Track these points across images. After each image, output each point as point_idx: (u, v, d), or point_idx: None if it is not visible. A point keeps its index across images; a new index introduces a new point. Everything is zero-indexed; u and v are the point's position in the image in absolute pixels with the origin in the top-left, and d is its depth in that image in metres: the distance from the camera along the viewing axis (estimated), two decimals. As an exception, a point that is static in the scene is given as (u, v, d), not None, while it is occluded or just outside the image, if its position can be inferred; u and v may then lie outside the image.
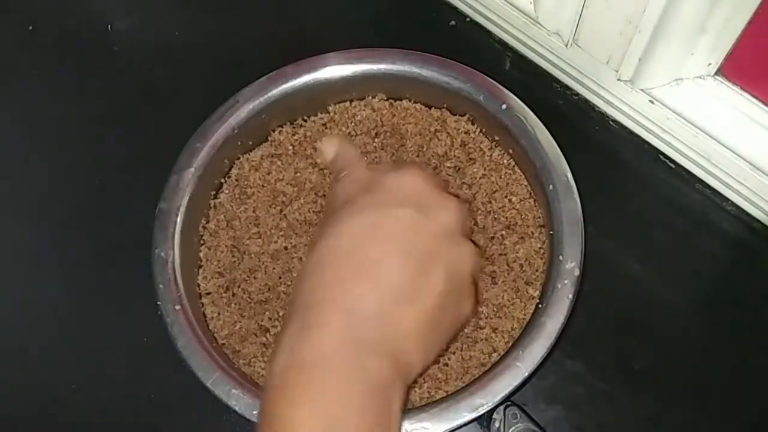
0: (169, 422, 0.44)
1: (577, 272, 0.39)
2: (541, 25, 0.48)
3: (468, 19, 0.54)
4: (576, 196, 0.40)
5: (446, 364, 0.40)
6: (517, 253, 0.42)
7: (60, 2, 0.58)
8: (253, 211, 0.45)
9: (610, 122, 0.49)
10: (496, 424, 0.40)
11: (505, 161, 0.45)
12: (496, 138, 0.45)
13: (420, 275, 0.31)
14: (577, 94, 0.50)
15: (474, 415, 0.36)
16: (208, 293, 0.43)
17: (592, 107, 0.50)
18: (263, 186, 0.45)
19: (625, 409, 0.42)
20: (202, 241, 0.44)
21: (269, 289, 0.43)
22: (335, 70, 0.45)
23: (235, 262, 0.44)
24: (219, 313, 0.42)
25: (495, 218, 0.43)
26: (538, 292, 0.41)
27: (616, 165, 0.48)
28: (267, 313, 0.42)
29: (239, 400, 0.37)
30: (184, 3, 0.58)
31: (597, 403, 0.42)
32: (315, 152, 0.46)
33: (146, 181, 0.43)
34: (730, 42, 0.40)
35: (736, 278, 0.45)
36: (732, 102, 0.43)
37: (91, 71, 0.55)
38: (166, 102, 0.53)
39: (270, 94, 0.45)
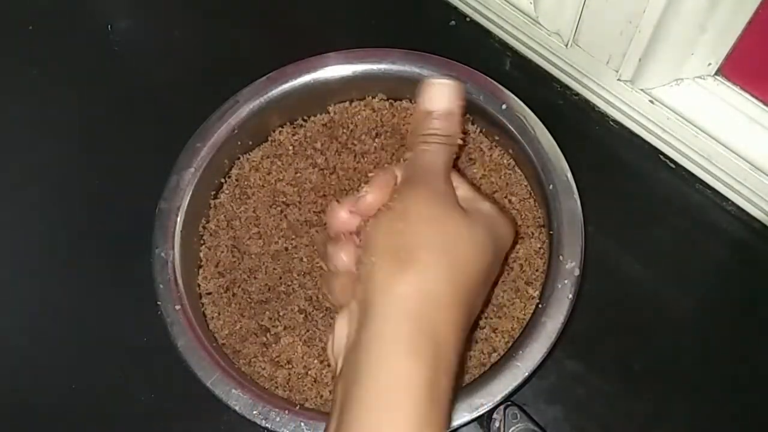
0: (169, 422, 0.44)
1: (577, 272, 0.39)
2: (541, 25, 0.48)
3: (468, 19, 0.54)
4: (576, 196, 0.40)
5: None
6: (517, 253, 0.42)
7: (60, 2, 0.58)
8: (254, 212, 0.45)
9: (610, 122, 0.49)
10: (496, 424, 0.40)
11: (505, 161, 0.45)
12: (496, 138, 0.45)
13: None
14: (577, 94, 0.50)
15: (474, 415, 0.36)
16: (209, 293, 0.43)
17: (592, 107, 0.50)
18: (263, 186, 0.45)
19: (625, 409, 0.42)
20: (202, 241, 0.44)
21: (269, 289, 0.43)
22: (335, 70, 0.45)
23: (235, 262, 0.44)
24: (219, 313, 0.42)
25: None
26: (538, 292, 0.41)
27: (616, 165, 0.48)
28: (267, 313, 0.42)
29: (239, 400, 0.37)
30: (184, 3, 0.58)
31: (597, 403, 0.42)
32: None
33: (146, 181, 0.43)
34: (730, 42, 0.40)
35: (736, 278, 0.45)
36: (732, 102, 0.43)
37: (91, 71, 0.55)
38: (166, 102, 0.53)
39: (270, 94, 0.45)
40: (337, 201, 0.34)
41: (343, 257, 0.33)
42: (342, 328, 0.31)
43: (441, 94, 0.34)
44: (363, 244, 0.32)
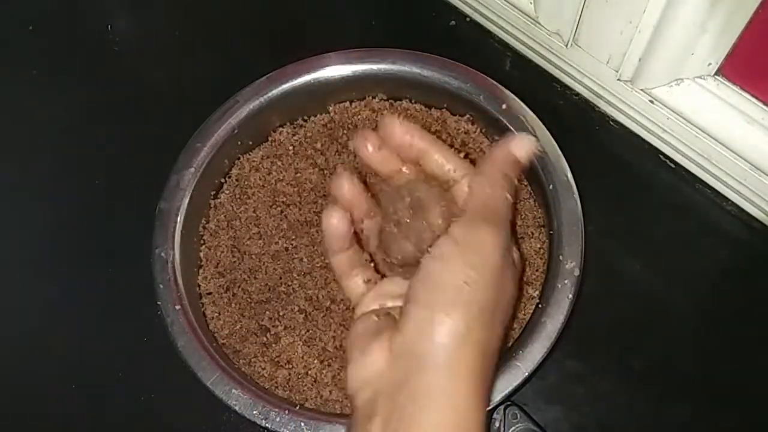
0: (170, 422, 0.44)
1: (577, 272, 0.39)
2: (541, 25, 0.48)
3: (468, 19, 0.54)
4: (576, 196, 0.40)
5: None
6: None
7: (60, 2, 0.58)
8: (254, 212, 0.45)
9: (610, 122, 0.49)
10: (496, 424, 0.40)
11: (505, 161, 0.45)
12: (496, 138, 0.45)
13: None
14: (577, 94, 0.50)
15: (474, 415, 0.36)
16: (209, 293, 0.43)
17: (592, 107, 0.50)
18: (263, 186, 0.45)
19: (625, 409, 0.42)
20: (202, 241, 0.44)
21: (270, 290, 0.43)
22: (335, 70, 0.45)
23: (235, 262, 0.44)
24: (219, 313, 0.42)
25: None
26: (538, 292, 0.41)
27: (616, 165, 0.48)
28: (267, 313, 0.42)
29: (239, 400, 0.37)
30: (184, 3, 0.58)
31: (597, 403, 0.42)
32: (316, 153, 0.45)
33: (146, 181, 0.43)
34: (730, 42, 0.40)
35: (736, 278, 0.45)
36: (732, 102, 0.43)
37: (91, 71, 0.55)
38: (166, 102, 0.53)
39: (270, 94, 0.45)
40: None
41: (333, 222, 0.34)
42: (378, 360, 0.30)
43: (530, 149, 0.34)
44: (421, 276, 0.30)
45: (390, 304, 0.34)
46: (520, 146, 0.34)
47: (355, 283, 0.36)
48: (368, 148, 0.34)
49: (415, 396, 0.28)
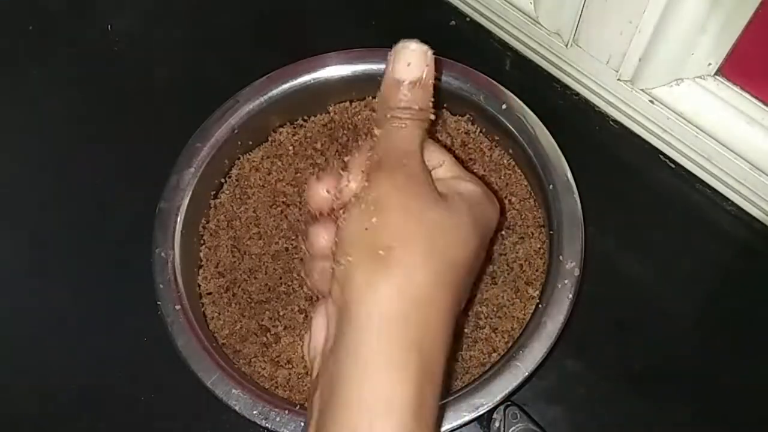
0: (170, 422, 0.44)
1: (577, 272, 0.39)
2: (541, 25, 0.48)
3: (468, 19, 0.54)
4: (576, 196, 0.40)
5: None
6: (517, 253, 0.42)
7: (60, 2, 0.58)
8: (254, 212, 0.45)
9: (610, 122, 0.49)
10: (496, 424, 0.40)
11: (505, 161, 0.45)
12: (496, 138, 0.45)
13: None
14: (577, 94, 0.50)
15: (474, 415, 0.36)
16: (209, 293, 0.43)
17: (592, 107, 0.50)
18: (263, 186, 0.45)
19: (625, 409, 0.42)
20: (202, 241, 0.44)
21: (270, 289, 0.43)
22: (335, 70, 0.45)
23: (235, 262, 0.44)
24: (219, 313, 0.42)
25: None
26: (538, 292, 0.41)
27: (616, 165, 0.48)
28: (267, 312, 0.42)
29: (239, 400, 0.37)
30: (184, 3, 0.58)
31: (597, 403, 0.42)
32: (316, 152, 0.45)
33: (146, 181, 0.43)
34: (730, 42, 0.40)
35: (736, 278, 0.45)
36: (732, 102, 0.43)
37: (91, 71, 0.55)
38: (166, 102, 0.53)
39: (270, 94, 0.45)
40: (317, 177, 0.32)
41: (322, 238, 0.31)
42: (319, 329, 0.30)
43: (414, 60, 0.30)
44: (337, 239, 0.29)
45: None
46: (399, 64, 0.30)
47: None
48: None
49: (341, 360, 0.27)
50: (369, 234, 0.28)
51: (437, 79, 0.32)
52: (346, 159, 0.32)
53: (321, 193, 0.32)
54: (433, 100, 0.31)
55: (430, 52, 0.31)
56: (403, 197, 0.29)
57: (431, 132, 0.33)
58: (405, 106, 0.30)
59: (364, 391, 0.26)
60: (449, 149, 0.45)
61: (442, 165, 0.32)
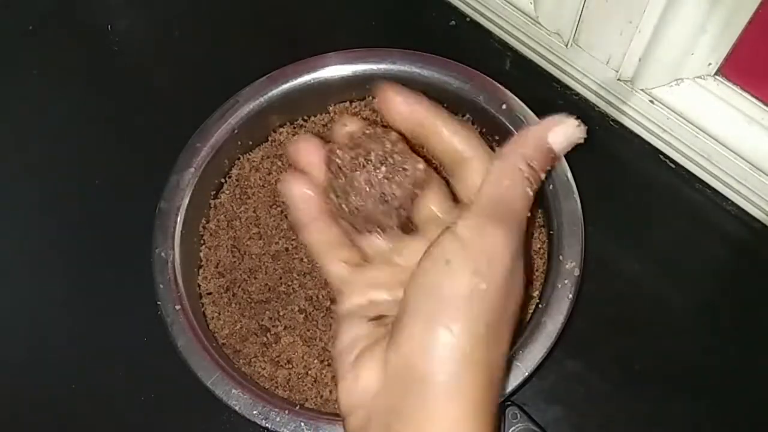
0: (169, 422, 0.44)
1: (577, 272, 0.39)
2: (541, 25, 0.48)
3: (468, 19, 0.54)
4: (576, 196, 0.40)
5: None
6: (517, 253, 0.42)
7: (60, 2, 0.58)
8: (254, 212, 0.45)
9: (610, 122, 0.49)
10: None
11: (505, 161, 0.45)
12: (496, 138, 0.45)
13: None
14: (577, 94, 0.50)
15: (474, 415, 0.36)
16: (209, 293, 0.43)
17: (592, 107, 0.50)
18: (264, 186, 0.45)
19: (625, 409, 0.42)
20: (202, 241, 0.44)
21: (270, 289, 0.43)
22: (335, 70, 0.45)
23: (235, 262, 0.44)
24: (219, 313, 0.42)
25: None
26: (538, 292, 0.41)
27: (616, 165, 0.48)
28: (267, 312, 0.42)
29: (239, 400, 0.37)
30: (184, 3, 0.58)
31: (597, 403, 0.42)
32: None
33: (146, 181, 0.43)
34: (730, 42, 0.40)
35: (736, 278, 0.45)
36: (732, 102, 0.43)
37: (91, 71, 0.55)
38: (166, 102, 0.53)
39: (270, 94, 0.45)
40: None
41: (377, 240, 0.30)
42: (371, 377, 0.26)
43: (573, 136, 0.28)
44: (420, 281, 0.26)
45: (376, 296, 0.30)
46: (559, 133, 0.28)
47: (337, 266, 0.31)
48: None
49: (411, 424, 0.25)
50: (475, 302, 0.25)
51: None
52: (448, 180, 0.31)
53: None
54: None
55: (584, 134, 0.29)
56: (513, 269, 0.26)
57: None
58: (538, 171, 0.28)
59: None
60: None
61: None
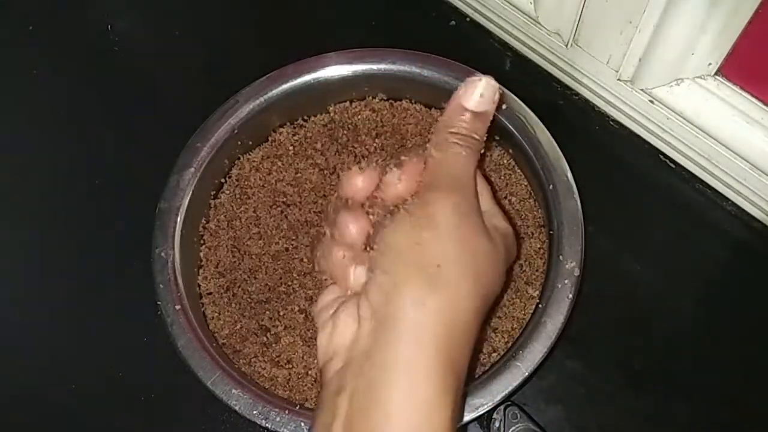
0: (170, 422, 0.44)
1: (577, 272, 0.39)
2: (541, 25, 0.48)
3: (468, 19, 0.54)
4: (576, 196, 0.40)
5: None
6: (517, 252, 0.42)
7: (60, 2, 0.58)
8: (254, 212, 0.45)
9: (610, 122, 0.49)
10: (496, 424, 0.40)
11: (505, 161, 0.45)
12: (496, 138, 0.45)
13: None
14: (577, 94, 0.50)
15: (474, 415, 0.36)
16: (209, 293, 0.43)
17: (592, 107, 0.50)
18: (264, 186, 0.45)
19: (625, 409, 0.42)
20: (202, 241, 0.44)
21: (270, 289, 0.43)
22: (335, 70, 0.45)
23: (235, 262, 0.44)
24: (219, 313, 0.42)
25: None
26: (538, 292, 0.41)
27: (616, 165, 0.48)
28: (267, 312, 0.42)
29: (239, 400, 0.37)
30: (184, 3, 0.58)
31: (597, 403, 0.42)
32: (316, 152, 0.45)
33: (146, 181, 0.43)
34: (730, 42, 0.40)
35: (736, 278, 0.45)
36: (732, 102, 0.43)
37: (91, 71, 0.55)
38: (166, 102, 0.53)
39: (270, 94, 0.45)
40: (359, 167, 0.32)
41: (352, 228, 0.32)
42: (347, 326, 0.30)
43: (486, 93, 0.32)
44: (379, 246, 0.30)
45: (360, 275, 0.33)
46: (467, 93, 0.31)
47: (361, 272, 0.33)
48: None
49: (380, 368, 0.27)
50: (420, 250, 0.29)
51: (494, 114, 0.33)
52: (401, 158, 0.32)
53: (358, 183, 0.32)
54: (487, 134, 0.33)
55: (499, 90, 0.32)
56: (458, 220, 0.29)
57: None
58: (466, 134, 0.32)
59: (407, 409, 0.27)
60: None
61: (482, 196, 0.33)
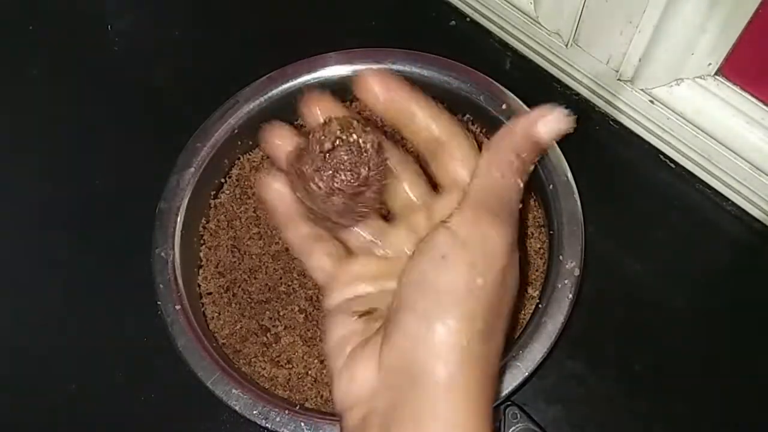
0: (169, 422, 0.44)
1: (577, 272, 0.39)
2: (541, 25, 0.48)
3: (468, 19, 0.54)
4: (576, 196, 0.40)
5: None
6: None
7: (60, 2, 0.58)
8: (254, 212, 0.45)
9: (610, 122, 0.49)
10: (496, 424, 0.40)
11: (505, 161, 0.45)
12: (496, 138, 0.45)
13: None
14: (577, 94, 0.50)
15: (474, 415, 0.36)
16: (209, 293, 0.43)
17: (592, 107, 0.50)
18: (263, 186, 0.45)
19: (625, 409, 0.42)
20: (202, 241, 0.44)
21: (270, 289, 0.43)
22: (335, 70, 0.45)
23: (235, 262, 0.44)
24: (219, 313, 0.42)
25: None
26: (538, 292, 0.41)
27: (616, 165, 0.48)
28: (267, 312, 0.42)
29: (239, 400, 0.37)
30: (184, 3, 0.58)
31: (597, 403, 0.42)
32: None
33: (146, 181, 0.43)
34: (730, 42, 0.40)
35: (736, 278, 0.45)
36: (732, 102, 0.43)
37: (91, 71, 0.55)
38: (166, 102, 0.53)
39: (270, 94, 0.45)
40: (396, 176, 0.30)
41: (362, 235, 0.30)
42: (366, 379, 0.26)
43: (562, 125, 0.28)
44: (413, 277, 0.26)
45: (363, 289, 0.30)
46: (547, 122, 0.28)
47: (320, 261, 0.31)
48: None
49: (410, 421, 0.24)
50: (471, 298, 0.25)
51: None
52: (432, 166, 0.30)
53: (397, 191, 0.30)
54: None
55: (572, 124, 0.29)
56: (509, 263, 0.26)
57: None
58: (529, 162, 0.28)
59: None
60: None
61: None
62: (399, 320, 0.25)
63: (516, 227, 0.27)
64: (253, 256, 0.43)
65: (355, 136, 0.29)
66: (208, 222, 0.45)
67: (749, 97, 0.43)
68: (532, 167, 0.29)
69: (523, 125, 0.28)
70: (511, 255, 0.26)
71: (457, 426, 0.24)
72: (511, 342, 0.39)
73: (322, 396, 0.40)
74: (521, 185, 0.28)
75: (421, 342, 0.25)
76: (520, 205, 0.28)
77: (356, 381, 0.27)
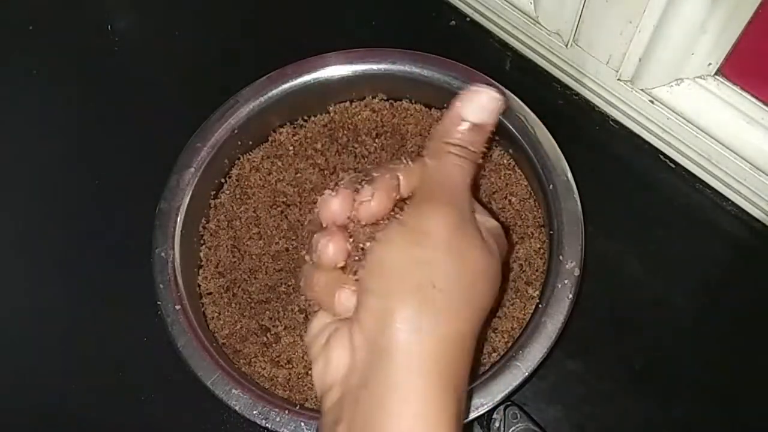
0: (169, 422, 0.44)
1: (577, 272, 0.39)
2: (541, 25, 0.48)
3: (468, 19, 0.54)
4: (576, 196, 0.40)
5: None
6: (517, 253, 0.42)
7: (60, 2, 0.58)
8: (254, 212, 0.45)
9: (610, 122, 0.49)
10: (496, 424, 0.40)
11: (505, 161, 0.45)
12: (496, 138, 0.45)
13: None
14: (577, 94, 0.50)
15: (474, 415, 0.36)
16: (209, 293, 0.43)
17: (592, 107, 0.50)
18: (264, 186, 0.45)
19: (625, 409, 0.42)
20: (202, 241, 0.44)
21: (270, 289, 0.43)
22: (335, 70, 0.45)
23: (235, 262, 0.44)
24: (219, 313, 0.42)
25: (495, 218, 0.43)
26: (538, 292, 0.41)
27: (616, 165, 0.48)
28: (267, 312, 0.42)
29: (239, 400, 0.37)
30: (184, 3, 0.58)
31: (597, 403, 0.42)
32: (315, 153, 0.45)
33: (146, 181, 0.43)
34: (730, 42, 0.40)
35: (736, 278, 0.45)
36: (732, 102, 0.43)
37: (91, 71, 0.55)
38: (166, 102, 0.53)
39: (270, 94, 0.45)
40: (333, 191, 0.31)
41: (330, 250, 0.30)
42: (340, 358, 0.28)
43: (486, 105, 0.31)
44: (368, 264, 0.28)
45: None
46: (470, 105, 0.30)
47: (347, 296, 0.31)
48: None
49: (377, 397, 0.26)
50: (415, 269, 0.27)
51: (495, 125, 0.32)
52: (373, 174, 0.31)
53: (334, 205, 0.30)
54: (486, 145, 0.32)
55: (501, 102, 0.31)
56: (455, 236, 0.28)
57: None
58: (463, 145, 0.31)
59: None
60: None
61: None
62: (362, 302, 0.28)
63: (463, 204, 0.29)
64: (253, 256, 0.43)
65: None
66: (208, 222, 0.45)
67: (749, 97, 0.43)
68: (478, 148, 0.31)
69: (448, 113, 0.31)
70: (455, 229, 0.28)
71: (418, 391, 0.26)
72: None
73: (322, 396, 0.40)
74: (464, 166, 0.30)
75: (380, 317, 0.27)
76: (469, 180, 0.30)
77: (332, 363, 0.29)
